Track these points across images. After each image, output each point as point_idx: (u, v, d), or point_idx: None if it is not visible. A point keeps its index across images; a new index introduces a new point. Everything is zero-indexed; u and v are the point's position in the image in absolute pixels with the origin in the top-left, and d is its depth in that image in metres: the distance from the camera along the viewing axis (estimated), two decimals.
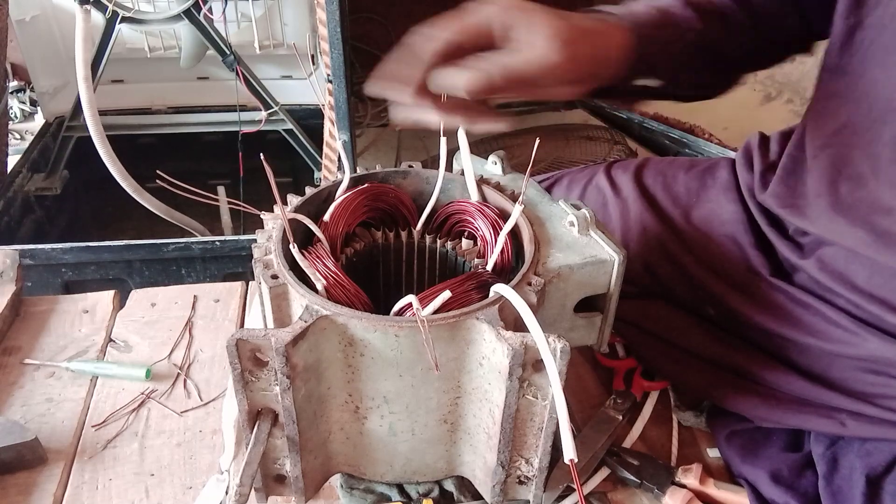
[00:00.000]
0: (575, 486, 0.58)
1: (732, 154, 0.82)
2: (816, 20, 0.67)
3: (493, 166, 0.69)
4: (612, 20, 0.57)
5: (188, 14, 1.56)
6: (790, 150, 0.71)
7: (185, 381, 0.76)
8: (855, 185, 0.61)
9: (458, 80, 0.49)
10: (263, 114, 1.68)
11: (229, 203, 0.53)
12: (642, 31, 0.57)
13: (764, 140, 0.79)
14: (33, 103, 2.04)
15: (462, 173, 0.64)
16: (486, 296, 0.52)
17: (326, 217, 0.60)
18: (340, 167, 1.45)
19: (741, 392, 0.65)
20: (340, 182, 0.63)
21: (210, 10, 1.56)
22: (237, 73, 1.62)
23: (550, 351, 0.46)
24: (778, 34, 0.68)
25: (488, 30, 0.51)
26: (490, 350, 0.49)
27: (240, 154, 1.64)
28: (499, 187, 0.64)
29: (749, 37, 0.66)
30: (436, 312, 0.49)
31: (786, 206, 0.68)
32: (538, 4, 0.52)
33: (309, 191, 0.63)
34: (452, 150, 0.64)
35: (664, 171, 0.83)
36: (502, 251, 0.58)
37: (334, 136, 1.45)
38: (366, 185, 0.63)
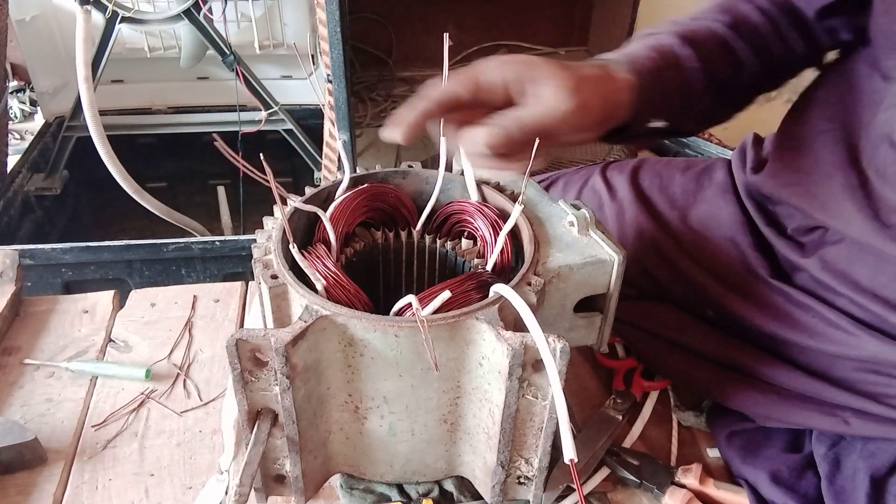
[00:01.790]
0: (575, 486, 0.58)
1: (730, 154, 0.82)
2: (823, 33, 0.68)
3: None
4: (614, 67, 0.58)
5: (188, 14, 1.56)
6: (794, 132, 0.71)
7: (184, 381, 0.76)
8: (867, 179, 0.61)
9: (479, 136, 0.52)
10: (263, 114, 1.68)
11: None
12: (644, 75, 0.59)
13: (758, 140, 0.79)
14: (33, 103, 2.04)
15: (462, 173, 0.64)
16: (486, 296, 0.52)
17: None
18: (340, 167, 1.45)
19: (743, 390, 0.65)
20: (340, 182, 0.63)
21: (210, 10, 1.56)
22: (237, 73, 1.62)
23: (550, 351, 0.46)
24: (782, 56, 0.68)
25: (500, 87, 0.54)
26: (490, 350, 0.49)
27: (240, 154, 1.63)
28: (499, 187, 0.64)
29: (753, 64, 0.67)
30: (435, 312, 0.49)
31: (790, 185, 0.68)
32: (543, 58, 0.54)
33: (309, 191, 0.63)
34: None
35: (660, 172, 0.83)
36: (502, 251, 0.58)
37: (334, 136, 1.45)
38: (366, 185, 0.63)
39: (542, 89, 0.53)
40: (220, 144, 0.50)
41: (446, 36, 0.57)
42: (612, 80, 0.57)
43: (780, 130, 0.73)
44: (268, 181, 0.51)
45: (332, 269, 0.53)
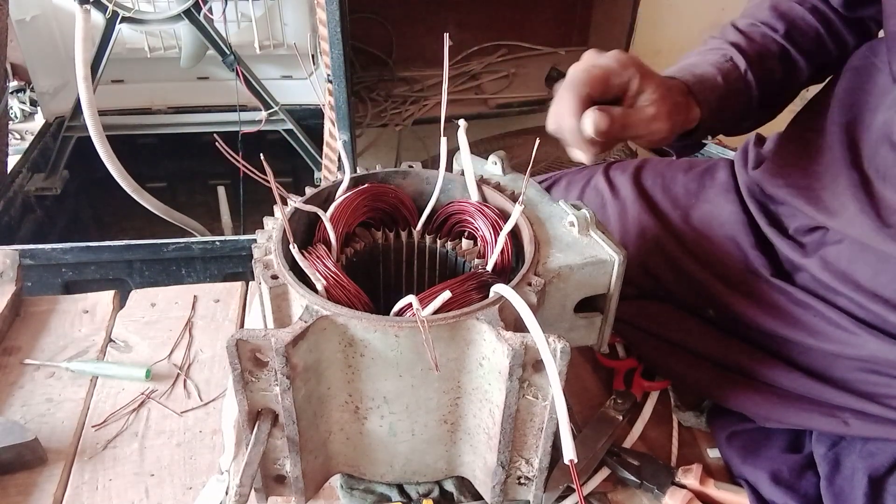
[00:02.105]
0: (575, 487, 0.58)
1: (732, 154, 0.82)
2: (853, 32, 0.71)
3: (493, 166, 0.69)
4: (692, 95, 0.66)
5: (188, 14, 1.56)
6: (802, 131, 0.71)
7: (185, 381, 0.76)
8: (869, 180, 0.62)
9: (590, 117, 0.58)
10: (263, 114, 1.68)
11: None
12: (709, 106, 0.67)
13: (760, 140, 0.79)
14: (33, 103, 2.04)
15: (462, 173, 0.64)
16: (486, 296, 0.52)
17: None
18: (340, 167, 1.45)
19: (743, 391, 0.65)
20: (340, 182, 0.63)
21: (210, 10, 1.56)
22: (237, 73, 1.62)
23: (550, 351, 0.45)
24: (835, 54, 0.72)
25: (619, 88, 0.61)
26: (490, 350, 0.49)
27: (240, 154, 1.63)
28: (499, 187, 0.64)
29: (807, 70, 0.72)
30: (436, 313, 0.49)
31: (795, 187, 0.68)
32: (649, 70, 0.63)
33: (309, 191, 0.63)
34: (452, 150, 0.64)
35: (663, 172, 0.83)
36: (502, 251, 0.58)
37: (334, 136, 1.45)
38: (366, 185, 0.63)
39: (648, 106, 0.61)
40: (220, 144, 0.50)
41: (446, 36, 0.57)
42: (689, 110, 0.65)
43: (789, 130, 0.74)
44: (268, 181, 0.51)
45: (333, 269, 0.53)
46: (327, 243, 0.59)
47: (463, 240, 0.63)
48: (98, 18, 1.52)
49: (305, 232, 0.62)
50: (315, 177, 1.75)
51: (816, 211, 0.65)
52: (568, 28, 2.24)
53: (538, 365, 0.48)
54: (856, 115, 0.65)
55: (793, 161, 0.70)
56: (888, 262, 0.60)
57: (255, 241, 0.57)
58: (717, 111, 0.68)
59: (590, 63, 0.61)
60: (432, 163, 0.65)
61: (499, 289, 0.50)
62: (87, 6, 1.42)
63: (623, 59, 0.61)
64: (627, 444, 0.68)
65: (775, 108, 0.74)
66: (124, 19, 1.55)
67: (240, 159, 0.51)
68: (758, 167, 0.75)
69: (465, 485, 0.62)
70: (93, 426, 0.70)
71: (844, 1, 0.68)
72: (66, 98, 1.76)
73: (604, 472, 0.64)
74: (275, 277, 0.53)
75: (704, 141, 0.72)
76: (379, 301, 0.65)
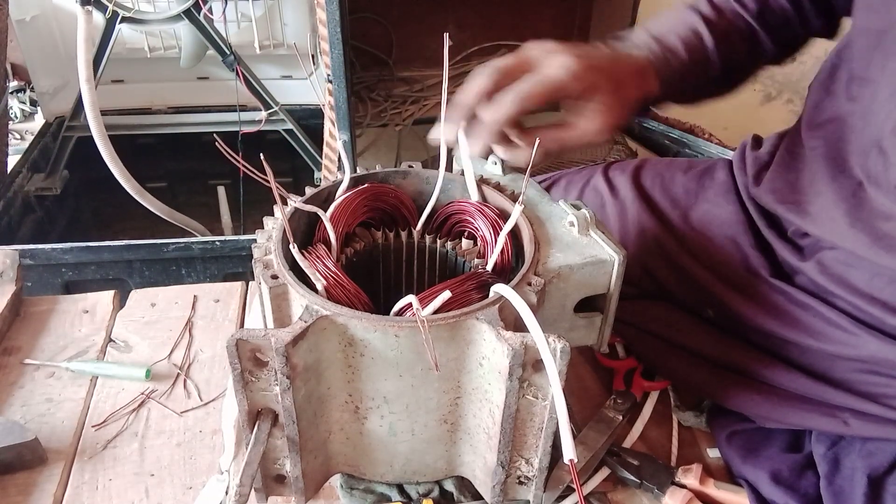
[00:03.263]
0: (575, 487, 0.58)
1: (731, 154, 0.82)
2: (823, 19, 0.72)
3: (493, 166, 0.69)
4: (651, 70, 0.64)
5: (188, 14, 1.56)
6: (788, 146, 0.72)
7: (185, 381, 0.76)
8: (857, 187, 0.61)
9: (524, 156, 0.58)
10: (263, 114, 1.68)
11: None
12: (669, 81, 0.65)
13: (757, 142, 0.80)
14: (33, 103, 2.04)
15: (462, 173, 0.64)
16: (486, 296, 0.52)
17: None
18: (340, 167, 1.45)
19: (743, 391, 0.65)
20: (340, 182, 0.63)
21: (210, 10, 1.56)
22: (237, 73, 1.62)
23: (550, 351, 0.46)
24: (801, 37, 0.73)
25: (568, 93, 0.59)
26: (490, 350, 0.49)
27: (240, 154, 1.63)
28: (499, 187, 0.64)
29: (772, 51, 0.72)
30: (436, 312, 0.49)
31: (785, 202, 0.68)
32: (603, 75, 0.59)
33: (309, 191, 0.63)
34: (452, 150, 0.64)
35: (662, 172, 0.83)
36: (502, 251, 0.58)
37: (334, 136, 1.45)
38: (366, 185, 0.63)
39: (591, 120, 0.59)
40: (220, 144, 0.50)
41: (446, 36, 0.57)
42: (644, 87, 0.63)
43: (778, 142, 0.75)
44: (268, 181, 0.51)
45: (333, 269, 0.53)
46: (327, 243, 0.59)
47: (463, 240, 0.63)
48: (98, 18, 1.52)
49: (305, 232, 0.62)
50: (315, 177, 1.75)
51: (805, 223, 0.66)
52: (568, 28, 2.24)
53: (538, 365, 0.48)
54: (835, 127, 0.65)
55: (783, 177, 0.71)
56: (883, 266, 0.60)
57: (255, 241, 0.57)
58: (675, 85, 0.67)
59: (539, 79, 0.57)
60: (432, 163, 0.65)
61: (499, 289, 0.50)
62: (89, 7, 1.42)
63: (579, 72, 0.57)
64: (627, 443, 0.68)
65: (732, 85, 0.74)
66: (124, 19, 1.55)
67: (240, 159, 0.51)
68: (756, 176, 0.75)
69: (465, 484, 0.62)
70: (93, 426, 0.70)
71: None
72: (66, 98, 1.76)
73: (604, 472, 0.64)
74: (275, 277, 0.53)
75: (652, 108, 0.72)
76: (379, 301, 0.65)
